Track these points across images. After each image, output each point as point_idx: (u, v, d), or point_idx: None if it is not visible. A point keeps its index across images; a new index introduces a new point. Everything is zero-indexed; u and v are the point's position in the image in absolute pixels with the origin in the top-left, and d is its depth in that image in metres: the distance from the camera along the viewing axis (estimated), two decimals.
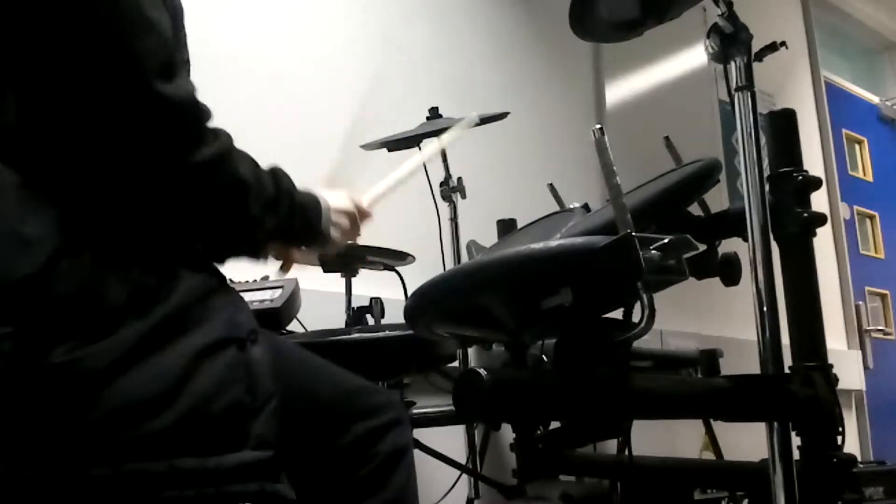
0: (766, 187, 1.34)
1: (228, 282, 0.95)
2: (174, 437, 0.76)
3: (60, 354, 0.72)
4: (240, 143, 0.92)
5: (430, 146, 1.41)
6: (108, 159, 0.81)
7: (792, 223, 1.47)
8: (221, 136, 0.88)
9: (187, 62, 0.93)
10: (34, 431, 0.71)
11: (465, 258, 2.03)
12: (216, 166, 0.86)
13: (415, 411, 1.79)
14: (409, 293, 1.19)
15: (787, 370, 1.34)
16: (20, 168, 0.78)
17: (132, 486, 0.73)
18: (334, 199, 1.07)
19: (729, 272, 1.35)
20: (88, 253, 0.77)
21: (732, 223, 1.42)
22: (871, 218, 4.39)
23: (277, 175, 0.97)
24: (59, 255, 0.75)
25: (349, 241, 1.11)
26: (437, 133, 1.95)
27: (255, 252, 0.99)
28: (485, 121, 1.99)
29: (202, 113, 0.85)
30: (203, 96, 0.87)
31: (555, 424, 1.29)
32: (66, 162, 0.81)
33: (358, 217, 1.12)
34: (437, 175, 2.02)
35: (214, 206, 0.88)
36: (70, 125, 0.80)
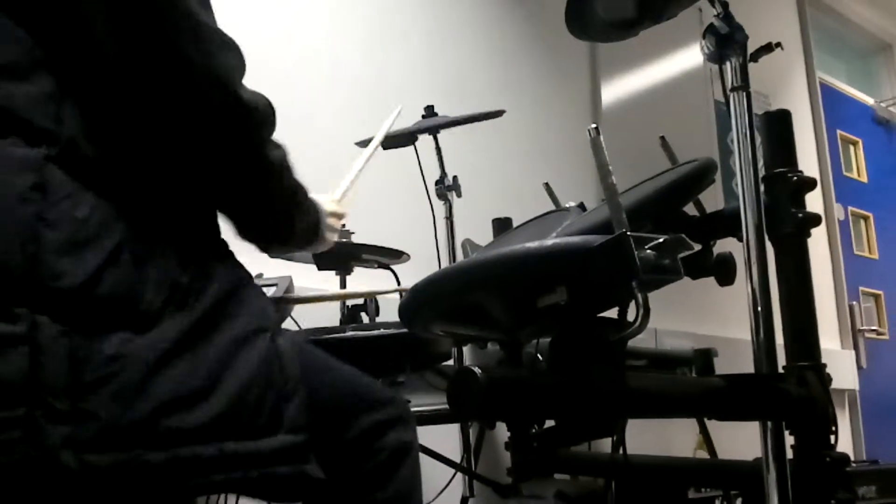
0: (761, 188, 1.34)
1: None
2: (220, 424, 0.80)
3: (113, 346, 0.76)
4: None
5: (373, 141, 1.48)
6: (181, 164, 0.89)
7: (787, 223, 1.47)
8: (282, 146, 0.97)
9: None
10: (95, 420, 0.74)
11: (460, 257, 2.03)
12: (284, 165, 0.97)
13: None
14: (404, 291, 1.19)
15: (781, 370, 1.35)
16: (80, 175, 0.81)
17: (185, 470, 0.78)
18: (325, 203, 1.14)
19: (724, 272, 1.35)
20: (129, 254, 0.80)
21: (727, 223, 1.42)
22: (866, 219, 4.40)
23: (299, 182, 1.05)
24: (107, 262, 0.78)
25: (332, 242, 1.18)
26: (433, 130, 1.96)
27: (284, 247, 1.09)
28: (480, 118, 2.00)
29: (274, 117, 0.94)
30: None
31: (549, 423, 1.29)
32: (128, 168, 0.85)
33: (337, 225, 1.19)
34: (433, 173, 2.02)
35: (277, 201, 0.98)
36: (144, 135, 0.86)
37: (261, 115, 0.91)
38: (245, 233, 0.99)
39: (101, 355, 0.75)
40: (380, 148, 1.47)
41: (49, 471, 0.72)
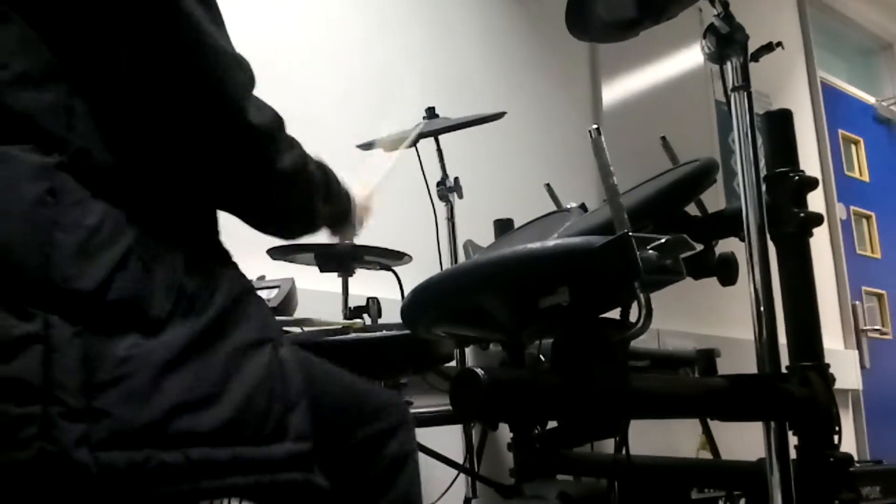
0: (763, 187, 1.34)
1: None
2: (230, 429, 0.81)
3: (124, 348, 0.77)
4: None
5: (403, 145, 1.52)
6: (188, 173, 0.90)
7: (789, 223, 1.47)
8: (295, 145, 0.98)
9: None
10: (109, 419, 0.75)
11: (461, 258, 2.03)
12: (299, 169, 0.98)
13: (412, 411, 1.79)
14: (406, 293, 1.19)
15: (784, 370, 1.35)
16: (90, 183, 0.82)
17: (200, 472, 0.79)
18: (358, 194, 1.18)
19: (726, 272, 1.35)
20: (138, 261, 0.81)
21: (729, 223, 1.42)
22: (868, 218, 4.40)
23: (327, 169, 1.08)
24: (118, 267, 0.80)
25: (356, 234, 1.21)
26: (434, 133, 1.96)
27: (310, 233, 1.10)
28: (482, 121, 2.00)
29: (283, 130, 0.95)
30: None
31: (552, 424, 1.29)
32: (138, 177, 0.86)
33: (364, 213, 1.22)
34: (434, 175, 2.02)
35: (293, 205, 1.01)
36: (153, 146, 0.87)
37: (267, 132, 0.92)
38: (265, 230, 1.01)
39: (113, 356, 0.76)
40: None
41: (66, 469, 0.73)
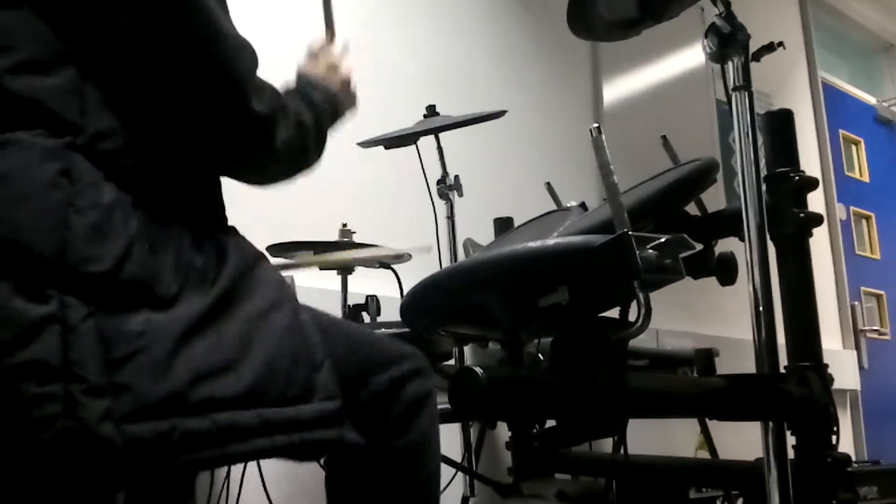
0: (763, 187, 1.34)
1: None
2: (254, 392, 0.82)
3: (138, 324, 0.78)
4: None
5: None
6: (191, 153, 0.91)
7: (788, 223, 1.47)
8: (289, 113, 0.96)
9: None
10: (130, 393, 0.76)
11: (461, 256, 2.03)
12: (289, 146, 0.96)
13: None
14: (405, 291, 1.19)
15: (782, 370, 1.35)
16: (101, 165, 0.83)
17: (228, 436, 0.80)
18: (329, 79, 1.13)
19: (725, 272, 1.35)
20: (147, 241, 0.82)
21: (729, 223, 1.42)
22: (868, 218, 4.39)
23: (309, 96, 1.05)
24: (128, 248, 0.80)
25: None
26: (434, 131, 1.95)
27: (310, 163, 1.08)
28: (482, 119, 1.99)
29: (282, 109, 0.95)
30: None
31: (550, 423, 1.29)
32: (145, 158, 0.87)
33: (347, 78, 1.17)
34: (434, 173, 2.02)
35: (285, 166, 1.00)
36: (160, 127, 0.88)
37: (270, 116, 0.93)
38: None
39: (128, 332, 0.77)
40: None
41: (91, 444, 0.73)
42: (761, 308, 1.28)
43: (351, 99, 1.16)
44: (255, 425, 0.82)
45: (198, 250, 0.87)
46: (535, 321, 1.18)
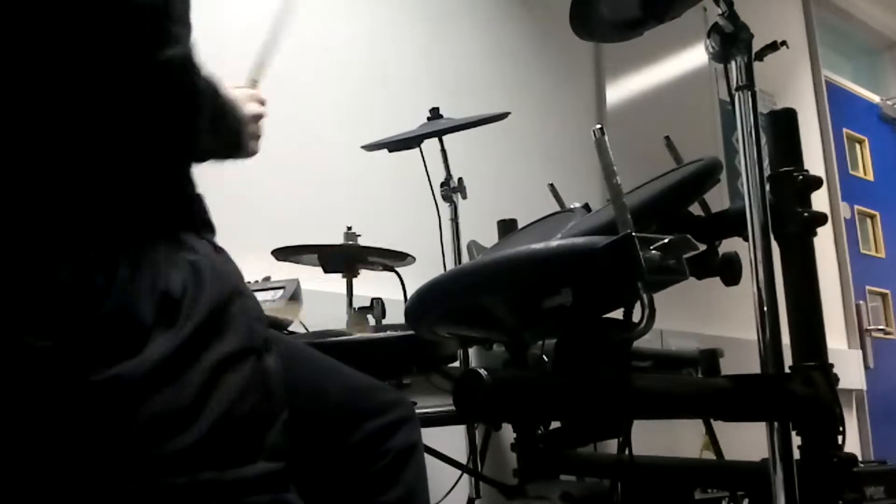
0: (767, 187, 1.34)
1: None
2: (199, 451, 0.77)
3: (100, 372, 0.73)
4: None
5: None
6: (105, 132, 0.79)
7: (792, 223, 1.47)
8: (182, 41, 0.83)
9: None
10: (74, 447, 0.72)
11: (465, 258, 2.03)
12: (178, 68, 0.82)
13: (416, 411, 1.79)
14: (410, 294, 1.19)
15: (787, 370, 1.34)
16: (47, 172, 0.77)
17: (159, 500, 0.75)
18: (247, 107, 1.02)
19: (729, 272, 1.35)
20: (122, 268, 0.77)
21: (733, 223, 1.42)
22: (872, 217, 4.39)
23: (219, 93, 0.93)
24: (93, 271, 0.75)
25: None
26: (438, 134, 1.95)
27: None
28: (485, 121, 2.00)
29: (165, 16, 0.81)
30: None
31: (555, 424, 1.29)
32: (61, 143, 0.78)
33: (260, 115, 1.06)
34: (438, 175, 2.02)
35: (169, 108, 0.83)
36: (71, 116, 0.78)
37: (188, 61, 0.82)
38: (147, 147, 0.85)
39: (88, 378, 0.73)
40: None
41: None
42: (765, 308, 1.28)
43: (255, 136, 1.04)
44: (186, 488, 0.76)
45: (174, 274, 0.80)
46: (539, 323, 1.18)
